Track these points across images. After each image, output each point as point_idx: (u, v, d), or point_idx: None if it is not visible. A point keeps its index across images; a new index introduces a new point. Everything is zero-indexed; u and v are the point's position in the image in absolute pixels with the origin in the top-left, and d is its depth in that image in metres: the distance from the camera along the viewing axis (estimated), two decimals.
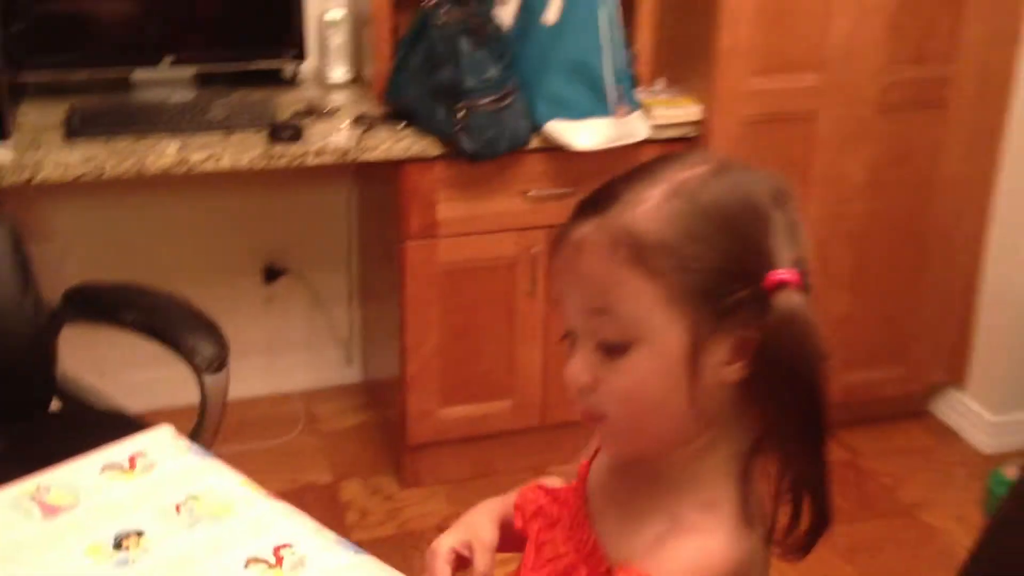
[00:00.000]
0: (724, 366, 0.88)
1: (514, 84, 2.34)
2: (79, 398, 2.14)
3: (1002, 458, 2.73)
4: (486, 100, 2.29)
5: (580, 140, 2.37)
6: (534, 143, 2.41)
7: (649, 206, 0.88)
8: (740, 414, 0.90)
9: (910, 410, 2.98)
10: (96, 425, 2.04)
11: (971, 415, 2.92)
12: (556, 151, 2.43)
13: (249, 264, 2.92)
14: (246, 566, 1.08)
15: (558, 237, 0.92)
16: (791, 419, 0.87)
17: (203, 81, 2.65)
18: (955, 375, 2.94)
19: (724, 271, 0.86)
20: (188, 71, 2.63)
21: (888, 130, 2.63)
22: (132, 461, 1.25)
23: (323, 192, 2.90)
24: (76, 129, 2.31)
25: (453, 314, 2.53)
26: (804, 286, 0.87)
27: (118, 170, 2.22)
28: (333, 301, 3.01)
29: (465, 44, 2.29)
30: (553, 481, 1.11)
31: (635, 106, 2.44)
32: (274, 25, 2.65)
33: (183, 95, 2.57)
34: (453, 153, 2.35)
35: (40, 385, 2.07)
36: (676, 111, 2.49)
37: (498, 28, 2.36)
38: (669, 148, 2.50)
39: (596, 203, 0.90)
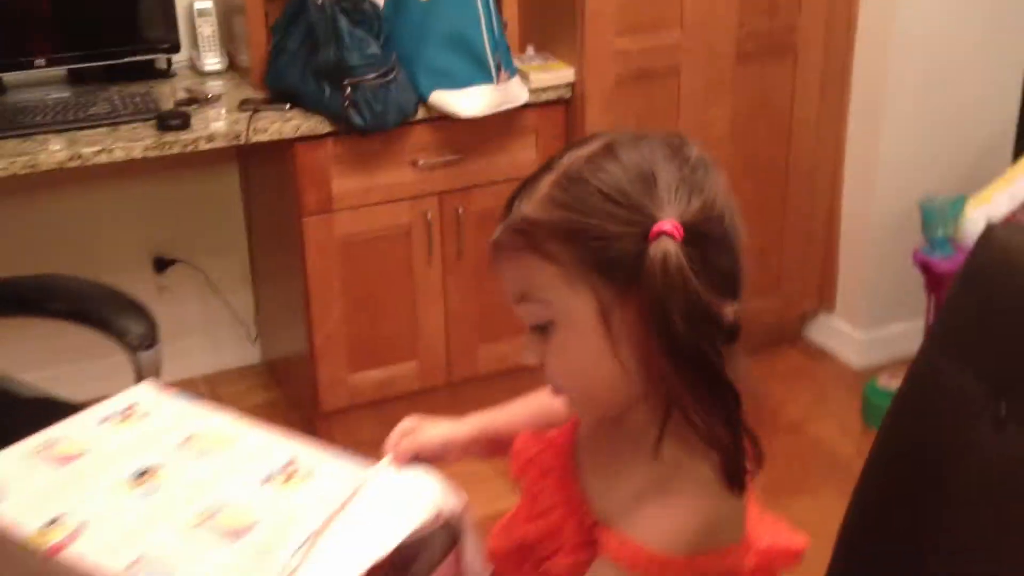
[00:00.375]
0: (638, 324, 0.91)
1: (395, 59, 2.41)
2: (5, 390, 2.09)
3: (872, 371, 2.92)
4: (371, 76, 2.35)
5: (466, 108, 2.45)
6: (420, 114, 2.48)
7: (540, 194, 0.93)
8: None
9: (786, 336, 3.16)
10: (34, 411, 1.99)
11: (841, 335, 3.11)
12: (441, 120, 2.51)
13: (137, 256, 2.92)
14: (264, 482, 1.14)
15: (489, 245, 0.98)
16: (676, 362, 0.90)
17: (76, 79, 2.63)
18: (824, 300, 3.12)
19: (613, 238, 0.90)
20: (60, 70, 2.61)
21: (746, 80, 2.77)
22: (126, 412, 1.28)
23: (206, 179, 2.92)
24: None
25: (355, 284, 2.59)
26: (698, 235, 0.90)
27: (10, 170, 2.21)
28: (226, 284, 3.03)
29: (344, 23, 2.34)
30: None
31: (513, 72, 2.52)
32: (145, 18, 2.65)
33: (59, 94, 2.55)
34: (343, 130, 2.41)
35: None
36: (550, 75, 2.58)
37: (374, 5, 2.41)
38: (548, 111, 2.61)
39: (507, 205, 0.97)
